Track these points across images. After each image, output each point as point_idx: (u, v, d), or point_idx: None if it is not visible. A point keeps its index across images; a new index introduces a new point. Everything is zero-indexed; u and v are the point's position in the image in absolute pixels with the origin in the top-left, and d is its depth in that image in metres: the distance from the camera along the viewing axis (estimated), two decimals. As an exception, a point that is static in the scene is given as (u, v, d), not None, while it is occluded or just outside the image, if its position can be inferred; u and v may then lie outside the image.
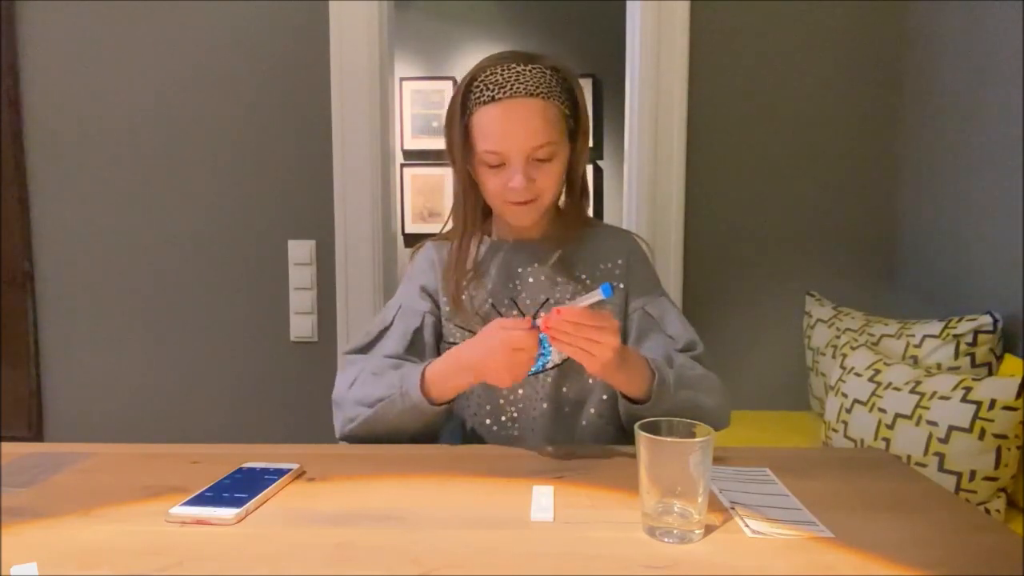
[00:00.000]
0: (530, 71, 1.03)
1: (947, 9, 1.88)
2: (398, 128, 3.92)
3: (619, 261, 1.15)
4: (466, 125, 1.06)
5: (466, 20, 3.90)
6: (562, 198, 1.16)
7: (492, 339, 0.95)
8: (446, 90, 3.93)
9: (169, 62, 2.04)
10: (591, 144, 1.19)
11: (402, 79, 3.89)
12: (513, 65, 1.03)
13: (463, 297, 1.12)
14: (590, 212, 1.20)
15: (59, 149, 2.07)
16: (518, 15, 3.86)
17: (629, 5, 2.10)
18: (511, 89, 1.02)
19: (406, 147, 3.97)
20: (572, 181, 1.14)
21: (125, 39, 2.04)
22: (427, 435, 1.05)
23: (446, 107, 1.10)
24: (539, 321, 0.93)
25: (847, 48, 2.03)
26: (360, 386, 1.05)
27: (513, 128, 1.02)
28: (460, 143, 1.06)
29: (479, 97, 1.03)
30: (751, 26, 2.03)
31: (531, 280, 1.13)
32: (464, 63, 3.91)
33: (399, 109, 3.91)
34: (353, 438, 1.06)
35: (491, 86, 1.02)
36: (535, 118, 1.03)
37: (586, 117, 1.10)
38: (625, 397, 1.01)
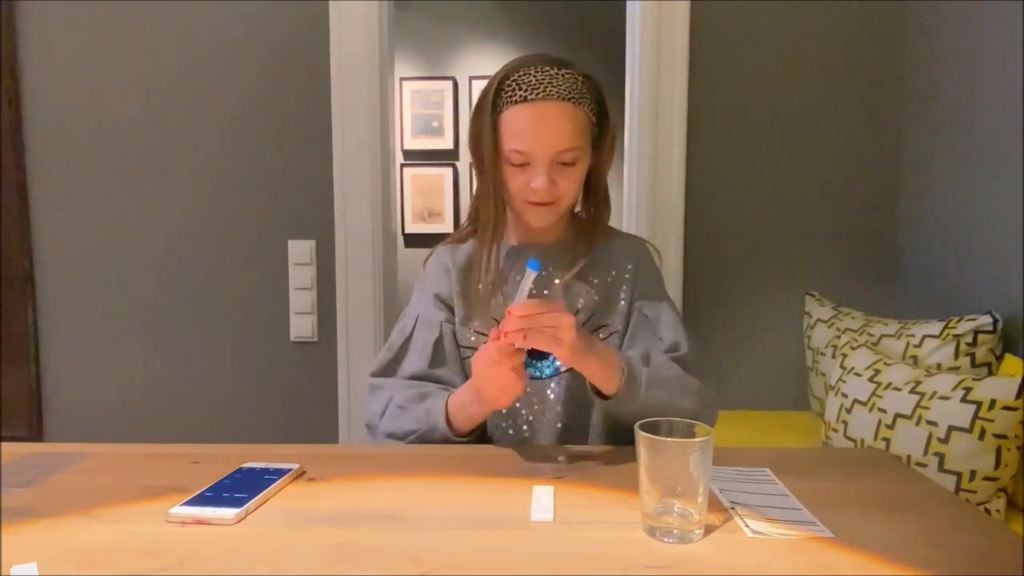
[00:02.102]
0: (563, 76, 1.03)
1: (947, 9, 1.88)
2: (398, 128, 3.92)
3: (629, 266, 1.15)
4: (494, 122, 1.06)
5: (466, 20, 3.90)
6: (578, 205, 1.16)
7: (477, 363, 0.97)
8: (446, 90, 3.93)
9: (169, 62, 2.04)
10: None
11: (402, 79, 3.89)
12: (547, 68, 1.03)
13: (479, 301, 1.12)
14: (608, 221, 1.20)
15: (59, 149, 2.07)
16: (518, 15, 3.86)
17: (629, 5, 2.10)
18: (544, 91, 1.02)
19: (406, 147, 3.97)
20: (596, 190, 1.14)
21: (125, 39, 2.04)
22: None
23: (474, 104, 1.10)
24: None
25: (847, 48, 2.03)
26: (389, 419, 1.08)
27: (542, 130, 1.03)
28: (489, 139, 1.06)
29: (511, 96, 1.04)
30: (751, 26, 2.03)
31: (544, 284, 1.13)
32: (464, 63, 3.91)
33: (399, 109, 3.91)
34: None
35: (524, 86, 1.03)
36: (564, 122, 1.03)
37: (613, 127, 1.10)
38: (597, 394, 1.01)
